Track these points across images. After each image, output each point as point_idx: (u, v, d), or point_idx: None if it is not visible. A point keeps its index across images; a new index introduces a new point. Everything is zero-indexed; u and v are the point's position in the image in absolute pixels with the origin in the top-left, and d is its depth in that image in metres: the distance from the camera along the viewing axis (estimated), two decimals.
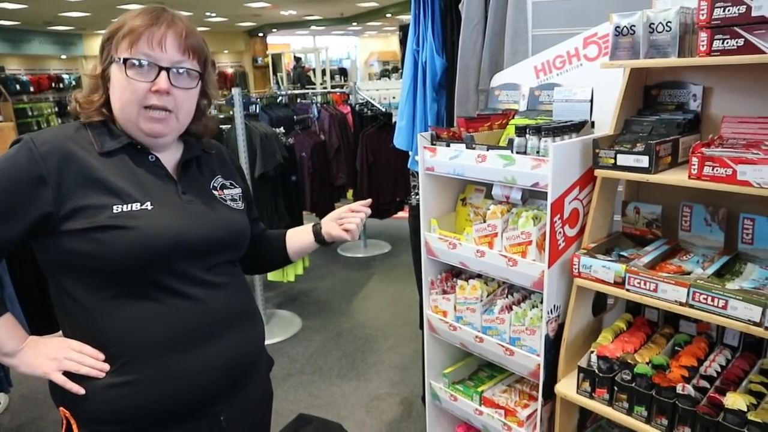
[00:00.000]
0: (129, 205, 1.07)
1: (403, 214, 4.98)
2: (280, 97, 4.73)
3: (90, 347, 1.11)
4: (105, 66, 1.12)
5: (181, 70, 1.12)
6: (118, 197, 1.07)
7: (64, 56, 15.46)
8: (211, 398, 1.18)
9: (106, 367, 1.11)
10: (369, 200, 1.44)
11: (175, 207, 1.14)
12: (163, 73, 1.09)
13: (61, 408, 1.16)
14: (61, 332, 1.18)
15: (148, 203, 1.10)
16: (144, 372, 1.10)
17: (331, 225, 1.40)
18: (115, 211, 1.06)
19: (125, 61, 1.08)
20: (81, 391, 1.10)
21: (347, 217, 1.39)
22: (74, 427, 1.14)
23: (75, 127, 1.14)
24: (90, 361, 1.10)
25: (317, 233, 1.43)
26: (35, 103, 11.72)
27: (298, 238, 1.46)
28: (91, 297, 1.09)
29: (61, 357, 1.11)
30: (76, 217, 1.05)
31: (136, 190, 1.10)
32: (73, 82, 14.89)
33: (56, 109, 12.21)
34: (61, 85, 14.46)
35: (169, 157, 1.21)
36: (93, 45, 15.53)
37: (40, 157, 1.05)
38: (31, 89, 13.33)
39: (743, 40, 1.29)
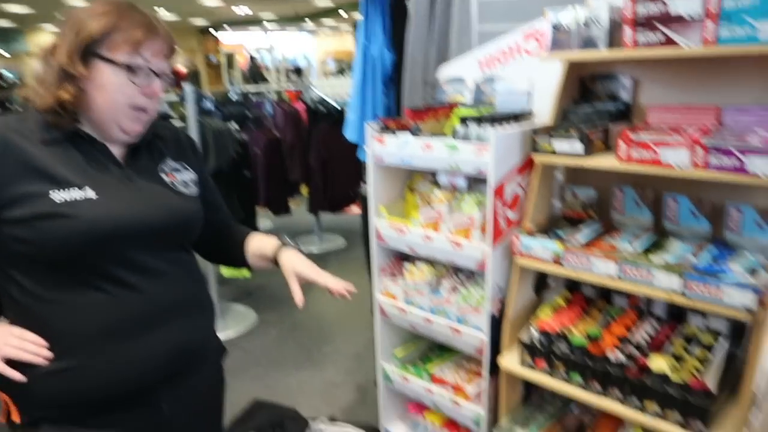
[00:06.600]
0: (68, 191, 1.06)
1: (358, 210, 5.03)
2: (233, 95, 4.72)
3: (32, 334, 1.09)
4: (88, 63, 1.08)
5: (167, 78, 1.17)
6: (55, 183, 1.06)
7: (6, 54, 14.86)
8: (150, 386, 1.17)
9: (50, 354, 1.09)
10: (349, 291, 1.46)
11: (119, 193, 1.13)
12: (157, 80, 1.14)
13: (1, 393, 1.14)
14: (7, 320, 1.16)
15: (90, 189, 1.08)
16: (83, 359, 1.10)
17: (309, 273, 1.46)
18: (52, 197, 1.05)
19: (128, 66, 1.10)
20: (22, 378, 1.08)
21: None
22: (14, 413, 1.13)
23: (18, 118, 1.11)
24: (32, 347, 1.08)
25: (275, 258, 1.43)
26: None
27: (260, 244, 1.44)
28: (35, 284, 1.09)
29: (1, 344, 1.08)
30: (15, 205, 1.04)
31: (76, 176, 1.09)
32: (18, 81, 14.32)
33: None
34: (3, 84, 13.89)
35: (119, 143, 1.19)
36: (36, 40, 14.99)
37: None
38: None
39: (663, 35, 1.41)
